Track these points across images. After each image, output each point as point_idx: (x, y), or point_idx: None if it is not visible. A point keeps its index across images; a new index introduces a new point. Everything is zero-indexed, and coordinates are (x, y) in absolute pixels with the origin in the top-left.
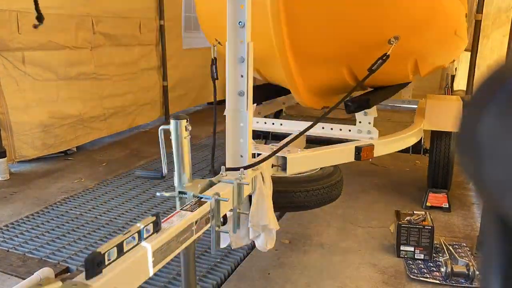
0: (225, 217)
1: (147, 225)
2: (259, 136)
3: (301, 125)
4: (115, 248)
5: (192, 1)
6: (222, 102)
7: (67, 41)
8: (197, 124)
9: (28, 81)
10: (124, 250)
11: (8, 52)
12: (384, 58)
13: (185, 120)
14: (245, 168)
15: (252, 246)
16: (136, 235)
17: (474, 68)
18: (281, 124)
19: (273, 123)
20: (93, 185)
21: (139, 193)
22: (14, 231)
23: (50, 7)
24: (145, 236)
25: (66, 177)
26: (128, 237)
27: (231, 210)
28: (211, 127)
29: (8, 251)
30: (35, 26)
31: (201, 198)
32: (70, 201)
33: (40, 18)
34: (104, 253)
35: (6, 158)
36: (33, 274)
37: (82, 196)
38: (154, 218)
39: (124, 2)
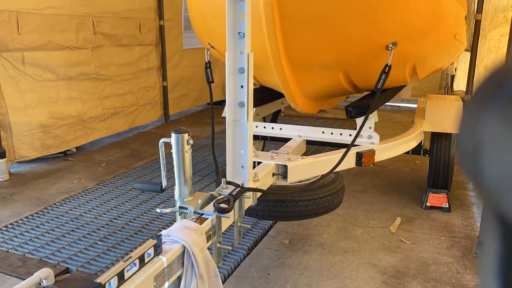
0: None
1: (147, 249)
2: (257, 137)
3: (300, 129)
4: (116, 277)
5: None
6: (222, 102)
7: (67, 41)
8: (197, 124)
9: (28, 81)
10: (125, 278)
11: (8, 53)
12: (386, 71)
13: (187, 134)
14: (246, 190)
15: (252, 246)
16: (137, 261)
17: (474, 68)
18: (280, 129)
19: (272, 128)
20: (93, 185)
21: (138, 193)
22: (13, 232)
23: (50, 7)
24: (146, 260)
25: (66, 177)
26: (128, 264)
27: (232, 224)
28: (210, 128)
29: (8, 251)
30: None
31: (202, 214)
32: (69, 201)
33: None
34: (105, 284)
35: (5, 158)
36: (33, 274)
37: (81, 196)
38: (155, 241)
39: (124, 2)
